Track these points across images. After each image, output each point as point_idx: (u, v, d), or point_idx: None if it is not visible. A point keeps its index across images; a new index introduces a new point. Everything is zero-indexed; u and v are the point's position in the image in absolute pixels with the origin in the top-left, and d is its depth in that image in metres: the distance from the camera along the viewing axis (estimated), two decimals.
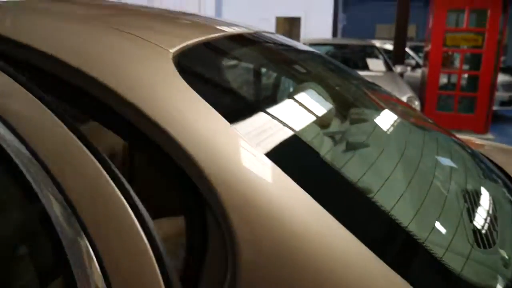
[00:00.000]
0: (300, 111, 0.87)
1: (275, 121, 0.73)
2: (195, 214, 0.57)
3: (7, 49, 0.63)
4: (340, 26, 14.31)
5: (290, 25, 13.52)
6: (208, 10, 12.56)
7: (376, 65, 6.81)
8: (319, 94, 1.10)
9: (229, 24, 1.05)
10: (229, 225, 0.53)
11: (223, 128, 0.61)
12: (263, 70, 1.09)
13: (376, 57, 7.20)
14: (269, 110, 0.78)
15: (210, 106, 0.62)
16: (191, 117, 0.59)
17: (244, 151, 0.59)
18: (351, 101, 1.21)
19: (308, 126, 0.81)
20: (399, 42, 7.77)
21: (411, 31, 14.10)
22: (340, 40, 9.33)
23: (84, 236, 0.53)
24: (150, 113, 0.57)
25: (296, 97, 0.97)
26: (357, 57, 7.28)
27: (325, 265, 0.52)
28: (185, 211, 0.60)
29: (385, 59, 7.12)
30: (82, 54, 0.62)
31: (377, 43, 8.35)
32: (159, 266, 0.52)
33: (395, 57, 7.72)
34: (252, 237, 0.53)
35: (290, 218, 0.54)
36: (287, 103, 0.92)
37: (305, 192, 0.57)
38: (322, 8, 12.88)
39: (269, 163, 0.59)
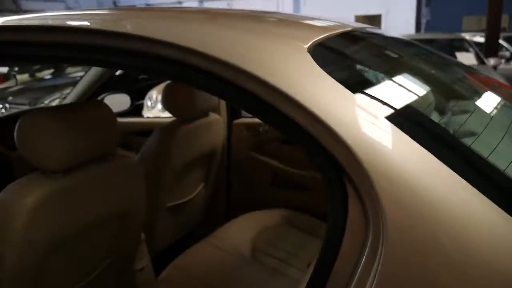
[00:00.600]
0: (425, 91, 0.95)
1: (408, 100, 0.82)
2: (336, 185, 0.67)
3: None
4: (423, 21, 13.76)
5: (370, 22, 13.27)
6: (286, 11, 12.73)
7: (466, 59, 6.50)
8: (437, 77, 1.17)
9: (338, 22, 1.17)
10: (375, 193, 0.61)
11: (351, 101, 0.71)
12: (381, 57, 1.18)
13: (466, 50, 6.87)
14: (400, 90, 0.87)
15: (348, 90, 0.72)
16: (333, 102, 0.70)
17: (381, 123, 0.68)
18: (463, 82, 1.27)
19: (437, 103, 0.89)
20: (492, 33, 7.34)
21: (504, 21, 13.16)
22: (425, 35, 8.99)
23: None
24: (299, 98, 0.68)
25: (416, 79, 1.05)
26: (445, 52, 6.99)
27: (463, 226, 0.60)
28: (327, 181, 0.70)
29: (476, 52, 6.76)
30: (245, 57, 0.76)
31: (466, 36, 7.93)
32: None
33: (487, 50, 7.30)
34: (396, 201, 0.61)
35: (428, 183, 0.62)
36: (409, 85, 1.01)
37: (439, 161, 0.64)
38: (404, 4, 12.46)
39: (405, 136, 0.67)
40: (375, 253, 0.59)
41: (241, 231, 1.84)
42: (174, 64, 0.79)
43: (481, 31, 9.48)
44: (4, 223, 1.08)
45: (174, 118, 1.92)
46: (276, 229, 1.89)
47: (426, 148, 0.62)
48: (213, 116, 2.06)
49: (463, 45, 6.98)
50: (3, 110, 4.66)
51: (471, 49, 6.84)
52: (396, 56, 1.23)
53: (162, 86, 5.04)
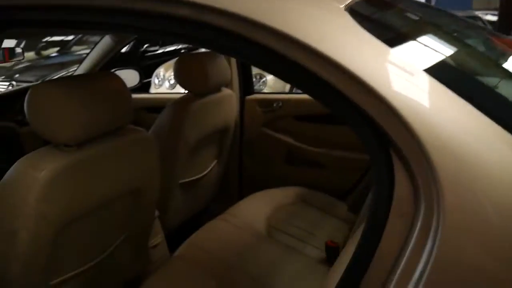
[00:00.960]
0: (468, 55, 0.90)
1: (444, 58, 0.77)
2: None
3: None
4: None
5: None
6: None
7: None
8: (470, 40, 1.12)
9: None
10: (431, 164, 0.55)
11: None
12: (414, 16, 1.14)
13: None
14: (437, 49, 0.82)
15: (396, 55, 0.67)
16: (382, 68, 0.65)
17: (426, 83, 0.63)
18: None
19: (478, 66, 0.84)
20: (507, 10, 7.16)
21: None
22: None
23: None
24: (348, 66, 0.62)
25: (455, 42, 1.00)
26: None
27: None
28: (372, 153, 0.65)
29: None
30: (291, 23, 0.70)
31: (478, 14, 7.77)
32: None
33: (500, 27, 7.14)
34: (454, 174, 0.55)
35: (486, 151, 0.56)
36: (446, 46, 0.95)
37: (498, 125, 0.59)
38: None
39: (456, 97, 0.62)
40: (427, 231, 0.54)
41: (256, 209, 1.80)
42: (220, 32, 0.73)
43: (491, 9, 9.30)
44: (17, 197, 1.04)
45: (186, 93, 1.87)
46: (291, 207, 1.85)
47: (485, 113, 0.57)
48: (226, 91, 2.01)
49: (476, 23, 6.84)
50: (10, 88, 4.62)
51: (483, 26, 6.70)
52: (427, 18, 1.19)
53: (169, 63, 4.99)
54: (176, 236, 1.74)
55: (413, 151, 0.55)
